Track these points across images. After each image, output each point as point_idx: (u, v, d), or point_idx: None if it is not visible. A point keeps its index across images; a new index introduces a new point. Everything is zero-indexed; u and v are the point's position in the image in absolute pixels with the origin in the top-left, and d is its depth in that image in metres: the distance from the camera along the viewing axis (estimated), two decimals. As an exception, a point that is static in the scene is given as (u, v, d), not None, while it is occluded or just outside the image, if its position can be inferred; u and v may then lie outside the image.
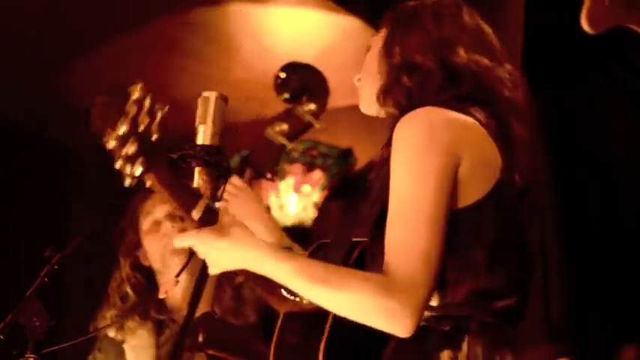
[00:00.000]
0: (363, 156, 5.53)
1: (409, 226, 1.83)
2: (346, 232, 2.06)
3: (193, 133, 1.97)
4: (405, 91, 2.01)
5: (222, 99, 1.99)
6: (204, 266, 3.03)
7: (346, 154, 5.62)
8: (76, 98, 5.45)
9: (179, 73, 5.23)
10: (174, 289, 3.11)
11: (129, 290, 3.17)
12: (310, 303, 1.91)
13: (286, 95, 2.91)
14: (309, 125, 2.87)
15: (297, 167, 5.58)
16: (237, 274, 3.22)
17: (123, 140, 1.91)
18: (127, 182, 1.93)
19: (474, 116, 1.95)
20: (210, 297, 3.09)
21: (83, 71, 5.20)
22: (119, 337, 3.17)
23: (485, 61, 2.02)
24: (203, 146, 1.94)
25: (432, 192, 1.84)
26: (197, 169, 1.93)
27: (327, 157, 5.61)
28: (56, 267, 2.17)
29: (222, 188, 1.93)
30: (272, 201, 5.61)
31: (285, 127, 2.90)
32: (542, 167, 2.07)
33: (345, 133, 5.26)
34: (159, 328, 3.19)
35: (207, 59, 5.14)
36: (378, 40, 2.12)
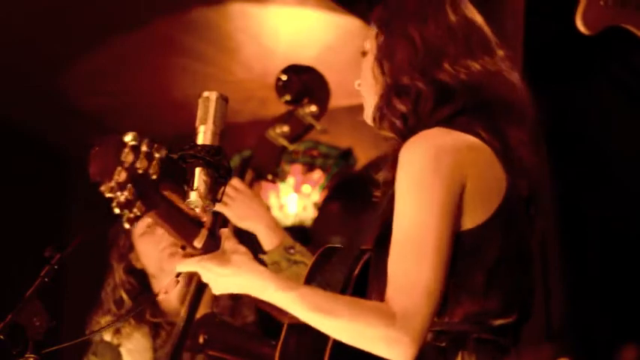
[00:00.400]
0: (363, 156, 5.54)
1: (413, 257, 1.82)
2: (354, 238, 2.05)
3: (194, 133, 1.96)
4: (398, 116, 1.98)
5: (223, 99, 1.98)
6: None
7: (346, 154, 5.63)
8: (76, 98, 5.46)
9: (179, 73, 5.23)
10: (174, 290, 3.11)
11: (124, 295, 3.15)
12: None
13: (288, 97, 2.91)
14: (310, 127, 2.87)
15: (297, 167, 5.58)
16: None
17: (120, 188, 1.91)
18: (126, 225, 1.93)
19: (477, 134, 1.93)
20: (209, 299, 3.08)
21: (83, 72, 5.20)
22: (115, 341, 3.16)
23: (476, 65, 1.98)
24: (203, 146, 1.93)
25: (436, 220, 1.83)
26: (197, 169, 1.93)
27: (327, 157, 5.61)
28: (56, 267, 2.17)
29: (222, 190, 1.93)
30: (272, 201, 5.61)
31: (286, 128, 2.90)
32: (543, 169, 2.06)
33: (345, 133, 5.26)
34: (155, 331, 3.18)
35: (207, 59, 5.14)
36: (372, 45, 2.09)
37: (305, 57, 4.86)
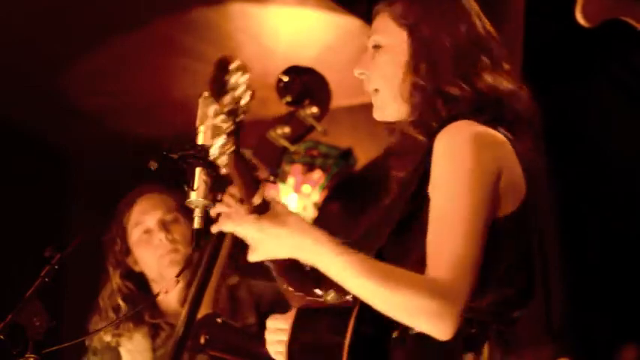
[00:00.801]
0: (363, 156, 5.54)
1: (456, 235, 1.85)
2: (363, 237, 2.05)
3: (194, 133, 1.97)
4: (439, 119, 2.02)
5: (223, 99, 1.98)
6: (205, 269, 3.04)
7: (346, 154, 5.62)
8: (76, 98, 5.46)
9: (179, 73, 5.22)
10: (174, 289, 3.11)
11: (120, 302, 3.13)
12: (332, 299, 1.93)
13: (289, 98, 2.91)
14: (311, 128, 2.87)
15: (297, 167, 5.58)
16: (232, 275, 3.22)
17: (230, 113, 1.92)
18: (222, 163, 1.93)
19: (503, 134, 1.99)
20: (210, 299, 3.08)
21: (83, 72, 5.20)
22: (114, 343, 3.15)
23: (501, 78, 2.04)
24: (203, 146, 1.94)
25: (478, 202, 1.88)
26: (197, 169, 1.93)
27: (327, 157, 5.60)
28: (56, 267, 2.17)
29: (220, 195, 1.94)
30: (272, 201, 5.60)
31: (287, 130, 2.90)
32: (543, 174, 2.09)
33: (345, 133, 5.26)
34: (154, 331, 3.17)
35: (207, 59, 5.14)
36: (389, 40, 2.10)
37: (305, 57, 4.86)
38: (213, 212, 2.89)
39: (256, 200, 1.93)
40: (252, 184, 1.96)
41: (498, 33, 2.11)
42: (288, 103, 2.97)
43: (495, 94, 2.03)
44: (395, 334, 1.93)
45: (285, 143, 2.90)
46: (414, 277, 1.85)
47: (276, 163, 2.93)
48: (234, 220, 1.95)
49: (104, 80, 5.34)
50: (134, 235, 3.16)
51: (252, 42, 5.02)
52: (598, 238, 4.33)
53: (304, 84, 2.82)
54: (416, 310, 1.82)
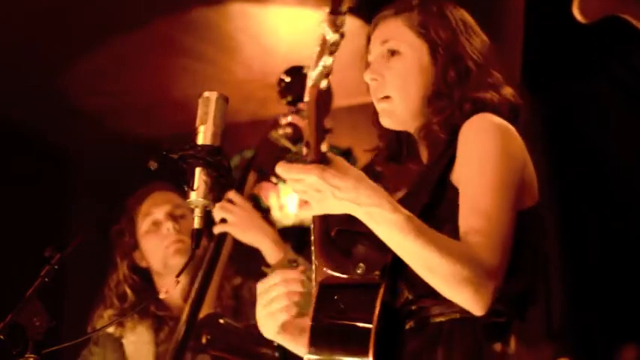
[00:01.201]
0: (363, 156, 5.53)
1: (492, 217, 1.89)
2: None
3: (194, 133, 1.97)
4: (465, 119, 2.07)
5: (223, 99, 1.99)
6: (207, 270, 3.04)
7: (346, 154, 5.62)
8: (76, 98, 5.46)
9: (179, 73, 5.22)
10: (174, 289, 3.11)
11: (127, 290, 3.17)
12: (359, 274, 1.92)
13: (290, 98, 2.92)
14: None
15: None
16: (236, 275, 3.22)
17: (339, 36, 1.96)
18: (323, 85, 1.97)
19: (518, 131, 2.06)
20: (213, 299, 3.09)
21: (83, 72, 5.20)
22: (117, 333, 3.18)
23: (510, 90, 2.12)
24: (204, 146, 1.94)
25: (509, 183, 1.93)
26: (197, 169, 1.93)
27: (327, 157, 5.59)
28: (56, 267, 2.17)
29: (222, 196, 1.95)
30: (272, 201, 5.61)
31: (288, 130, 2.91)
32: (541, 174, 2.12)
33: (345, 133, 5.25)
34: (158, 324, 3.19)
35: (207, 59, 5.14)
36: (406, 47, 2.15)
37: (305, 57, 4.84)
38: (217, 217, 2.91)
39: (324, 148, 1.92)
40: (322, 129, 1.95)
41: (498, 32, 2.14)
42: (289, 103, 2.98)
43: (510, 102, 2.10)
44: (409, 325, 1.95)
45: (287, 144, 2.91)
46: (462, 247, 1.87)
47: (277, 163, 2.94)
48: (295, 169, 1.91)
49: (104, 80, 5.34)
50: (143, 226, 3.21)
51: (252, 42, 5.02)
52: (598, 238, 4.33)
53: (305, 84, 2.82)
54: (459, 278, 1.83)
